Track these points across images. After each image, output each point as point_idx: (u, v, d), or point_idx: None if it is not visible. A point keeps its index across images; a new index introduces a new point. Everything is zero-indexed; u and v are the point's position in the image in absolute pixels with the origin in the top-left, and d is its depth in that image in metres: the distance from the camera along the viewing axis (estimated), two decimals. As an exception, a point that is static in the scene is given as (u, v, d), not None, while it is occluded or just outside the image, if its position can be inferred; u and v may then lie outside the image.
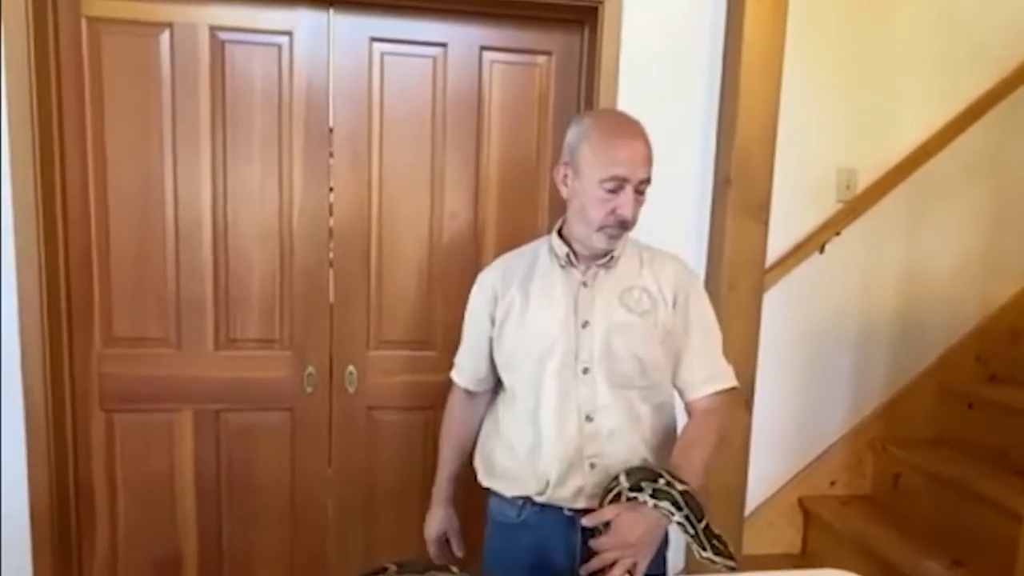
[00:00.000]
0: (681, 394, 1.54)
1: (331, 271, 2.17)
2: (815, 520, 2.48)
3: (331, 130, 2.13)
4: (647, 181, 1.40)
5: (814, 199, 2.39)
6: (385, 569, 1.11)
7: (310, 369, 2.17)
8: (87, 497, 2.13)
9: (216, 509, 2.19)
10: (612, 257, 1.46)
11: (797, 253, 2.36)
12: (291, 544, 2.24)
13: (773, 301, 2.28)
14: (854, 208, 2.40)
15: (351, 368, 2.19)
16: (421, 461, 2.25)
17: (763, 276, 2.20)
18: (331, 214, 2.16)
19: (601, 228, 1.41)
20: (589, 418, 1.44)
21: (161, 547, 2.18)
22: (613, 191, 1.37)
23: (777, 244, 2.29)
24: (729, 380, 1.53)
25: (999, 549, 2.00)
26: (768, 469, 2.03)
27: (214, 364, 2.14)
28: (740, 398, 2.07)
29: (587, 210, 1.41)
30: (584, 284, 1.47)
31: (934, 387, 2.58)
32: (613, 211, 1.38)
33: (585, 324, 1.44)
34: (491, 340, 1.55)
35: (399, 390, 2.23)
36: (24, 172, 1.90)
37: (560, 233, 1.52)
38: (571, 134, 1.45)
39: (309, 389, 2.17)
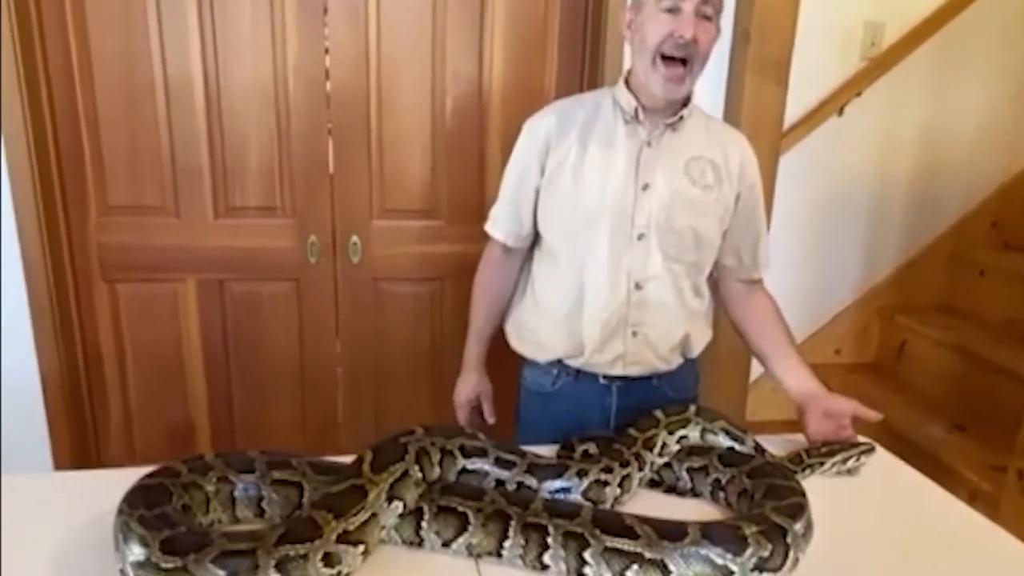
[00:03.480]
0: (733, 272, 1.51)
1: (330, 138, 2.08)
2: (818, 387, 2.51)
3: (324, -17, 1.98)
4: (708, 3, 1.29)
5: (836, 56, 2.27)
6: (412, 431, 1.09)
7: (312, 239, 2.12)
8: (97, 368, 2.15)
9: (226, 378, 2.21)
10: (681, 117, 1.37)
11: (815, 115, 2.27)
12: (302, 411, 2.27)
13: (788, 165, 2.20)
14: (878, 66, 2.28)
15: (355, 238, 2.14)
16: (429, 333, 2.25)
17: (780, 139, 2.12)
18: (328, 78, 2.04)
19: (659, 59, 1.30)
20: (639, 286, 1.40)
21: (173, 415, 2.21)
22: (671, 11, 1.27)
23: (794, 106, 2.19)
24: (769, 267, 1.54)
25: (1002, 414, 2.04)
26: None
27: (215, 233, 2.09)
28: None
29: (646, 38, 1.30)
30: (648, 144, 1.38)
31: (946, 254, 2.55)
32: (671, 33, 1.28)
33: (646, 187, 1.37)
34: (537, 192, 1.44)
35: (405, 261, 2.19)
36: (3, 39, 1.79)
37: (627, 85, 1.40)
38: None
39: (312, 259, 2.14)
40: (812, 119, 2.26)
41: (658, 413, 1.27)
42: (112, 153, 2.01)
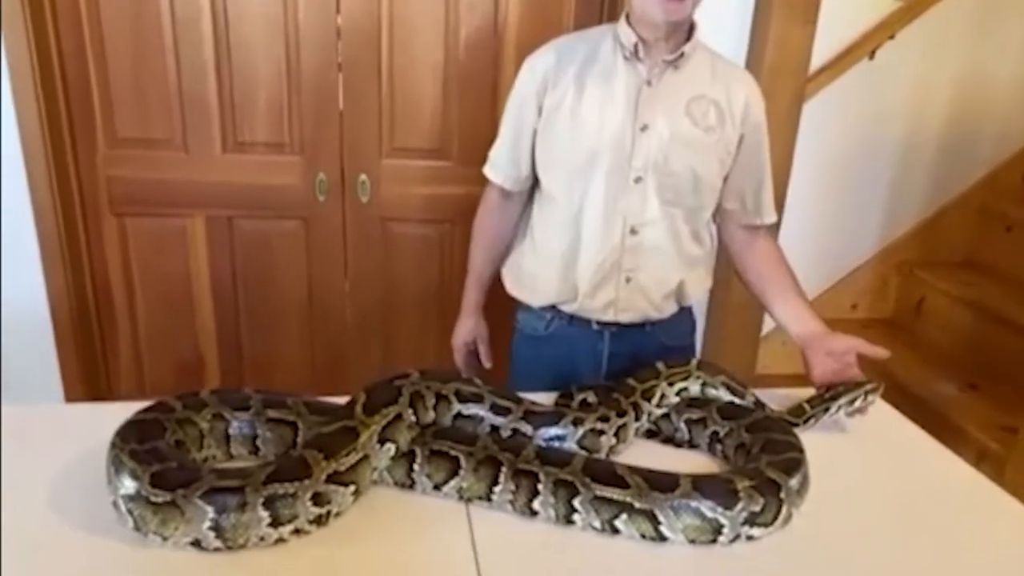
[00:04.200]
0: (735, 217, 1.46)
1: (340, 73, 2.03)
2: (831, 342, 2.47)
3: (334, -92, 1.91)
4: None
5: (869, -3, 2.16)
6: (408, 375, 1.08)
7: (321, 176, 2.09)
8: (106, 302, 2.16)
9: (235, 315, 2.21)
10: (682, 54, 1.31)
11: (844, 59, 2.17)
12: (311, 349, 2.28)
13: (811, 111, 2.12)
14: (913, 8, 2.16)
15: (363, 177, 2.11)
16: (438, 275, 2.23)
17: (805, 84, 2.03)
18: (338, 11, 1.98)
19: None
20: (634, 231, 1.36)
21: (183, 350, 2.23)
22: None
23: (821, 49, 2.09)
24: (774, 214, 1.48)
25: (1017, 373, 1.99)
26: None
27: (223, 168, 2.07)
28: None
29: None
30: (648, 83, 1.32)
31: (974, 208, 2.46)
32: None
33: (644, 128, 1.32)
34: (535, 133, 1.40)
35: (414, 202, 2.16)
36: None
37: (628, 22, 1.34)
38: None
39: (321, 197, 2.11)
40: (841, 63, 2.16)
41: (659, 365, 1.25)
42: (119, 84, 1.98)
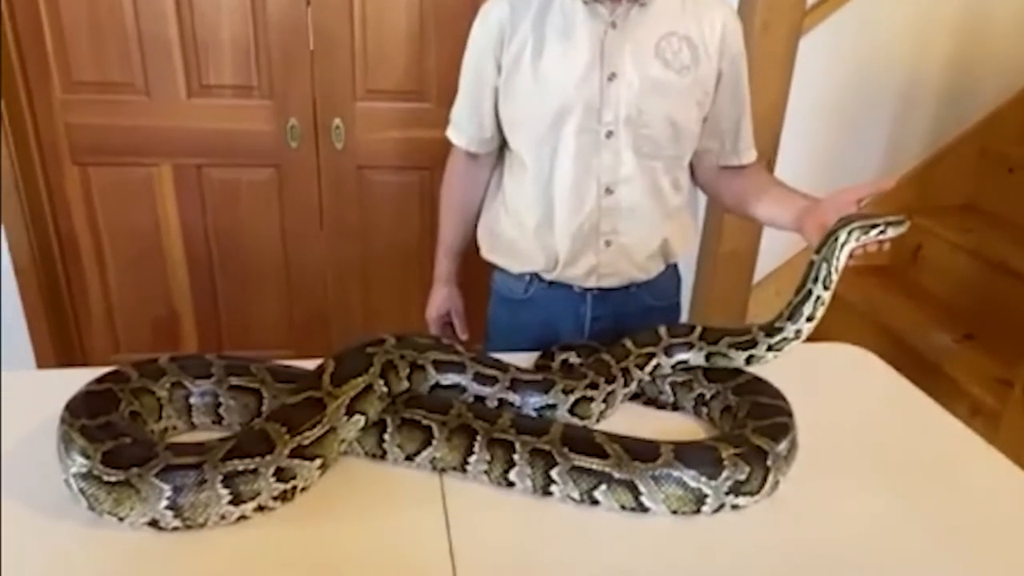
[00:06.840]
0: (712, 157, 1.35)
1: (308, 8, 1.91)
2: (826, 291, 2.41)
3: None
4: None
5: (873, -78, 2.02)
6: (382, 341, 1.02)
7: (293, 121, 1.99)
8: (74, 259, 2.08)
9: (208, 268, 2.14)
10: None
11: (844, -10, 2.05)
12: (289, 303, 2.22)
13: (807, 48, 2.01)
14: (919, -66, 2.04)
15: (337, 121, 2.01)
16: (418, 224, 2.16)
17: (801, 19, 1.93)
18: (305, -62, 1.86)
19: None
20: (609, 190, 1.27)
21: (157, 307, 2.16)
22: None
23: (821, -21, 1.98)
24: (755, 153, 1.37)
25: (1014, 322, 1.94)
26: (780, 236, 1.91)
27: (189, 113, 1.97)
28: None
29: None
30: (613, 25, 1.20)
31: (976, 150, 2.36)
32: None
33: (612, 77, 1.21)
34: (496, 91, 1.29)
35: (391, 147, 2.06)
36: None
37: None
38: None
39: (293, 144, 2.01)
40: (839, -5, 2.04)
41: (661, 330, 1.16)
42: (72, 25, 1.86)
